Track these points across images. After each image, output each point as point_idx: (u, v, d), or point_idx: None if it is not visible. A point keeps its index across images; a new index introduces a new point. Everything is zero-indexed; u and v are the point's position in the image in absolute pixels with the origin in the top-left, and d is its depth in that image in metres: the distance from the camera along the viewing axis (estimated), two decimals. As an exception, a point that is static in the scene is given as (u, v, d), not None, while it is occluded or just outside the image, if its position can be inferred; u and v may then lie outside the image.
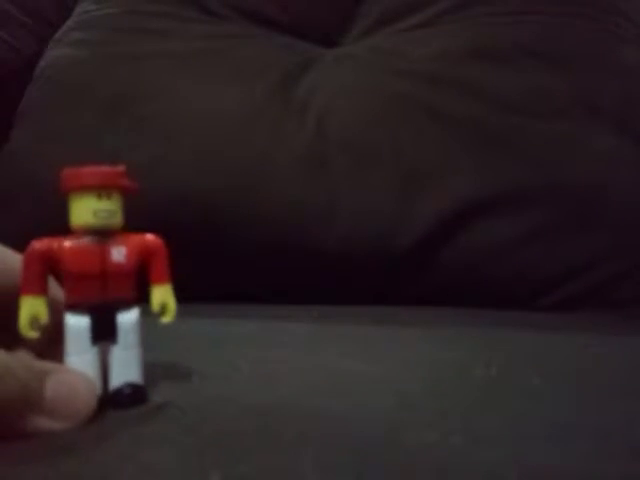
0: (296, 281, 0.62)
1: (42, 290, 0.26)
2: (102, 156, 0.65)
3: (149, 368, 0.29)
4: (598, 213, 0.63)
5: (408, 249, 0.61)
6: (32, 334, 0.26)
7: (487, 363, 0.33)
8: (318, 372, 0.32)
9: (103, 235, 0.26)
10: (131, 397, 0.26)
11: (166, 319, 0.27)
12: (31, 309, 0.25)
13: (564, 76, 0.68)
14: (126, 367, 0.26)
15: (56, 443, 0.23)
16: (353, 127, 0.66)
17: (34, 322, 0.25)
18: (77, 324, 0.26)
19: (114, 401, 0.26)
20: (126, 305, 0.26)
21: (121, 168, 0.27)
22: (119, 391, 0.26)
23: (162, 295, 0.27)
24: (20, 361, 0.24)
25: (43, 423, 0.24)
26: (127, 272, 0.26)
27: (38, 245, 0.26)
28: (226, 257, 0.63)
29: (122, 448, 0.23)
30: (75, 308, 0.26)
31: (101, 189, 0.26)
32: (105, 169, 0.26)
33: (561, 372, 0.33)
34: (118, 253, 0.26)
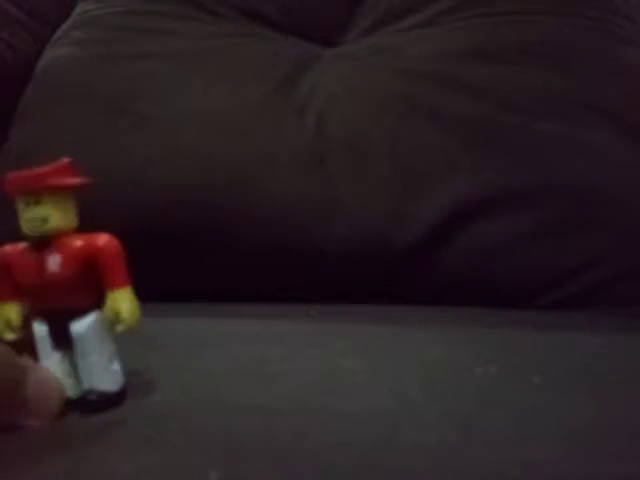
0: (295, 280, 0.62)
1: (10, 295, 0.25)
2: (102, 156, 0.65)
3: (147, 367, 0.29)
4: (598, 213, 0.63)
5: (407, 249, 0.61)
6: (9, 336, 0.25)
7: (487, 362, 0.33)
8: (317, 371, 0.32)
9: (42, 242, 0.25)
10: (94, 404, 0.26)
11: (119, 328, 0.25)
12: (2, 315, 0.25)
13: (564, 76, 0.68)
14: (87, 374, 0.26)
15: (53, 442, 0.23)
16: (353, 127, 0.66)
17: (8, 326, 0.25)
18: (39, 331, 0.26)
19: (79, 406, 0.26)
20: (79, 313, 0.25)
21: (54, 166, 0.26)
22: (82, 398, 0.26)
23: (114, 302, 0.25)
24: (6, 356, 0.24)
25: (22, 419, 0.24)
26: (65, 281, 0.25)
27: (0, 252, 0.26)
28: (226, 256, 0.63)
29: (121, 448, 0.23)
30: (36, 314, 0.26)
31: (26, 195, 0.25)
32: (23, 172, 0.25)
33: (561, 371, 0.33)
34: (53, 263, 0.25)
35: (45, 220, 0.25)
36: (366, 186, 0.63)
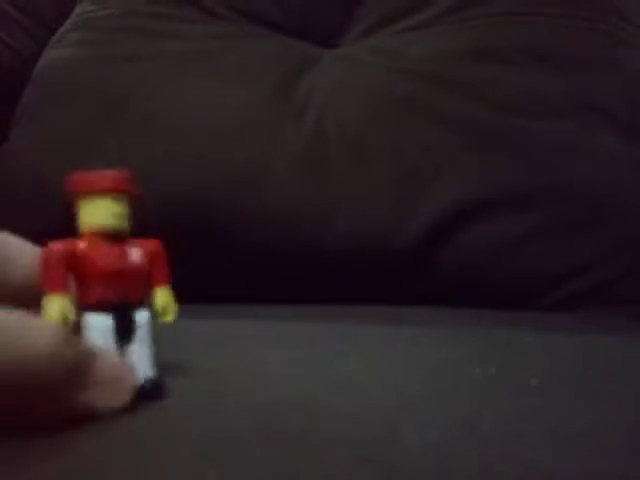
0: (295, 281, 0.62)
1: (67, 289, 0.26)
2: (101, 157, 0.65)
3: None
4: (598, 213, 0.63)
5: (407, 249, 0.62)
6: None
7: (486, 363, 0.33)
8: (317, 371, 0.32)
9: (118, 237, 0.27)
10: (152, 391, 0.27)
11: (168, 318, 0.28)
12: (61, 308, 0.26)
13: (564, 77, 0.68)
14: (144, 363, 0.27)
15: (52, 438, 0.23)
16: (352, 127, 0.66)
17: (63, 318, 0.26)
18: (101, 324, 0.26)
19: (137, 395, 0.26)
20: (141, 305, 0.27)
21: (127, 173, 0.27)
22: (141, 387, 0.27)
23: (164, 296, 0.28)
24: (68, 341, 0.25)
25: (90, 404, 0.25)
26: (143, 273, 0.27)
27: (59, 246, 0.26)
28: (225, 257, 0.63)
29: (118, 446, 0.23)
30: (98, 308, 0.26)
31: (118, 193, 0.27)
32: (120, 174, 0.27)
33: (560, 372, 0.33)
34: (136, 254, 0.27)
35: (126, 217, 0.27)
36: (365, 187, 0.63)
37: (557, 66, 0.69)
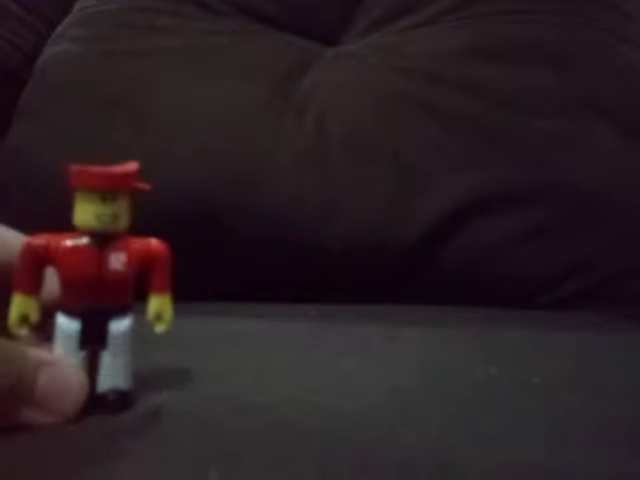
0: (296, 279, 0.62)
1: (34, 288, 0.25)
2: (102, 153, 0.65)
3: (148, 367, 0.29)
4: (598, 212, 0.63)
5: (408, 247, 0.61)
6: (22, 331, 0.25)
7: (487, 362, 0.33)
8: (318, 371, 0.32)
9: (104, 239, 0.26)
10: (116, 403, 0.26)
11: (160, 328, 0.27)
12: (21, 307, 0.25)
13: (564, 75, 0.68)
14: (113, 373, 0.26)
15: (53, 440, 0.23)
16: (353, 125, 0.66)
17: (24, 319, 0.25)
18: (67, 327, 0.25)
19: (99, 405, 0.26)
20: (120, 312, 0.26)
21: (132, 168, 0.26)
22: (104, 396, 0.26)
23: (159, 305, 0.26)
24: (17, 350, 0.24)
25: (32, 416, 0.24)
26: (124, 280, 0.26)
27: (35, 242, 0.25)
28: (226, 254, 0.63)
29: (121, 446, 0.23)
30: (67, 310, 0.26)
31: (107, 191, 0.25)
32: (114, 170, 0.26)
33: (561, 371, 0.33)
34: (116, 260, 0.26)
35: (118, 217, 0.25)
36: (366, 184, 0.63)
37: (557, 64, 0.69)
